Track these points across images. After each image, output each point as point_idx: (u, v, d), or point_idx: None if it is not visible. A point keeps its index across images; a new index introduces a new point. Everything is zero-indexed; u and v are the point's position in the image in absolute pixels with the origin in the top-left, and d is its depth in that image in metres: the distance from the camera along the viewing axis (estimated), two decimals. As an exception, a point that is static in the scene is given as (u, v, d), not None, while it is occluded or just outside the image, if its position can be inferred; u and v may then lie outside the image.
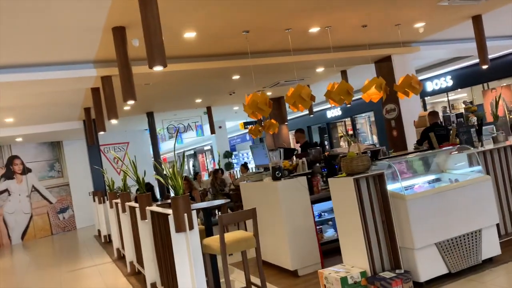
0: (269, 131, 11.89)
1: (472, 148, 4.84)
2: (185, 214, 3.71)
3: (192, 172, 41.03)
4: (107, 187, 8.53)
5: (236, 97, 12.55)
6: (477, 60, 13.35)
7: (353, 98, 12.12)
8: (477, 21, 7.81)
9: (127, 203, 6.52)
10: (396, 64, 9.40)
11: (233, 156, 20.63)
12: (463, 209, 4.44)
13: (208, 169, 33.48)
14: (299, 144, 8.63)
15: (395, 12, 6.99)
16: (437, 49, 10.03)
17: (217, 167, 18.79)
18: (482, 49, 7.87)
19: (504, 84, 14.25)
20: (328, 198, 6.28)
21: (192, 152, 38.03)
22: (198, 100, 12.45)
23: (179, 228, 3.69)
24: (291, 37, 6.93)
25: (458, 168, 4.94)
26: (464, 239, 4.40)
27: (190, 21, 5.88)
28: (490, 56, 12.90)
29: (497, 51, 12.25)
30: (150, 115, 13.42)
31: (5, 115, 10.25)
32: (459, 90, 14.84)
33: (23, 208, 15.07)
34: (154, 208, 4.64)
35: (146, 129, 18.90)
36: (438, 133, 6.13)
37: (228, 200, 5.95)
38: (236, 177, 13.76)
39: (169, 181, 3.75)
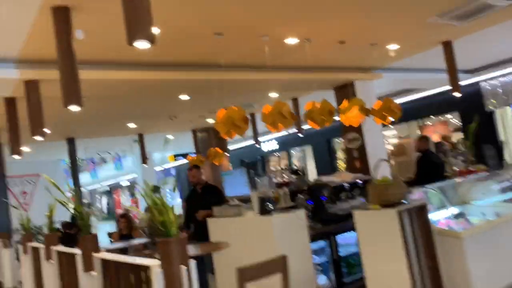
0: (214, 161, 10.67)
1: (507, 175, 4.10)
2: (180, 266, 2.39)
3: (106, 211, 37.64)
4: (20, 226, 6.63)
5: (176, 123, 11.17)
6: (416, 96, 13.64)
7: (293, 130, 11.51)
8: (448, 46, 7.49)
9: (55, 248, 4.86)
10: (358, 91, 8.81)
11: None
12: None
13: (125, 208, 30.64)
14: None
15: (375, 28, 6.36)
16: (395, 78, 9.70)
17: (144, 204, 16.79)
18: (453, 75, 7.51)
19: (428, 123, 14.67)
20: (315, 238, 5.21)
21: (107, 188, 34.90)
22: (132, 125, 10.86)
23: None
24: (267, 48, 5.94)
25: (486, 198, 4.16)
26: (518, 286, 3.55)
27: (155, 12, 4.63)
28: (428, 93, 13.23)
29: (435, 86, 12.24)
30: (71, 142, 11.47)
31: None
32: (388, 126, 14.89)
33: None
34: (118, 257, 3.19)
35: (61, 159, 16.60)
36: (438, 161, 5.39)
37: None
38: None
39: (159, 216, 2.42)
